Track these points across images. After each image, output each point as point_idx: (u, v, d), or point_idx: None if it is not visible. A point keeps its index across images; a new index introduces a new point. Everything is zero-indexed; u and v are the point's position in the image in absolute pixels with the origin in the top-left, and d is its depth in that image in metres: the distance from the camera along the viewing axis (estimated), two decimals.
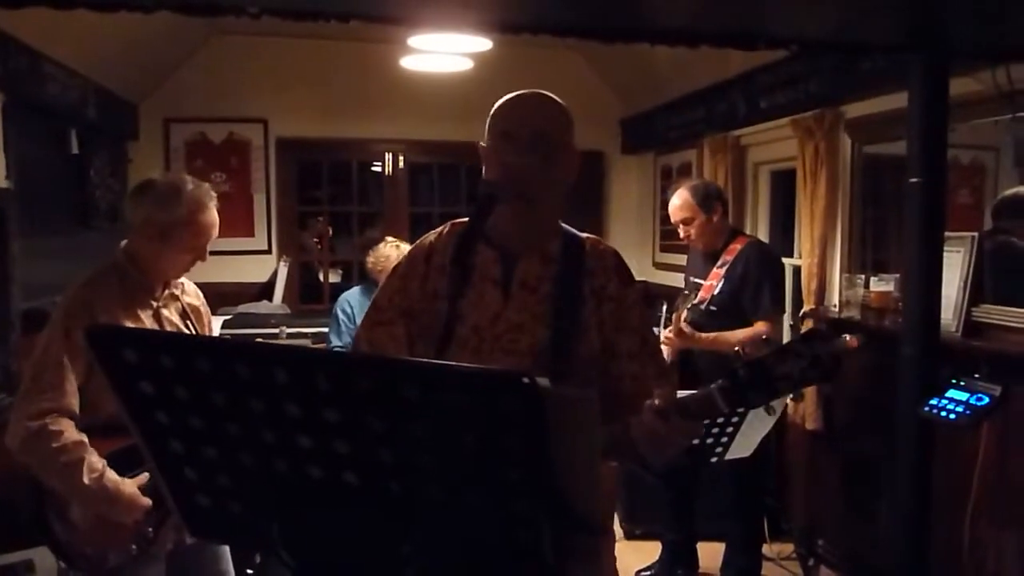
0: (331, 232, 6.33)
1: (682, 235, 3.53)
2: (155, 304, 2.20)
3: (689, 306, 3.39)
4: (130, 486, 2.01)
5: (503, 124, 1.55)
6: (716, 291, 3.40)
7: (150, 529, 2.07)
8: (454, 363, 1.29)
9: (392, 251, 3.87)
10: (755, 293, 3.34)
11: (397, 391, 0.91)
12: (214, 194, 2.21)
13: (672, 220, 3.53)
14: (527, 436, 0.89)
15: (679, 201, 3.46)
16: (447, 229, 1.66)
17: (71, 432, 1.98)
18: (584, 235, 1.66)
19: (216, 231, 2.21)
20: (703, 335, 3.36)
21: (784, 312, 3.68)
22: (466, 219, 1.62)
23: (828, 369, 1.25)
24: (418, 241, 1.71)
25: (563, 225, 1.65)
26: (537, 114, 1.56)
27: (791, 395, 1.26)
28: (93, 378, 2.00)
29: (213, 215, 2.19)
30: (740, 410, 2.64)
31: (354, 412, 0.93)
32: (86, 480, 1.95)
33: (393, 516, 0.97)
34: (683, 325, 3.32)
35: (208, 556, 2.30)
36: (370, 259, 4.00)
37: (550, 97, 1.60)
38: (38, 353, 2.04)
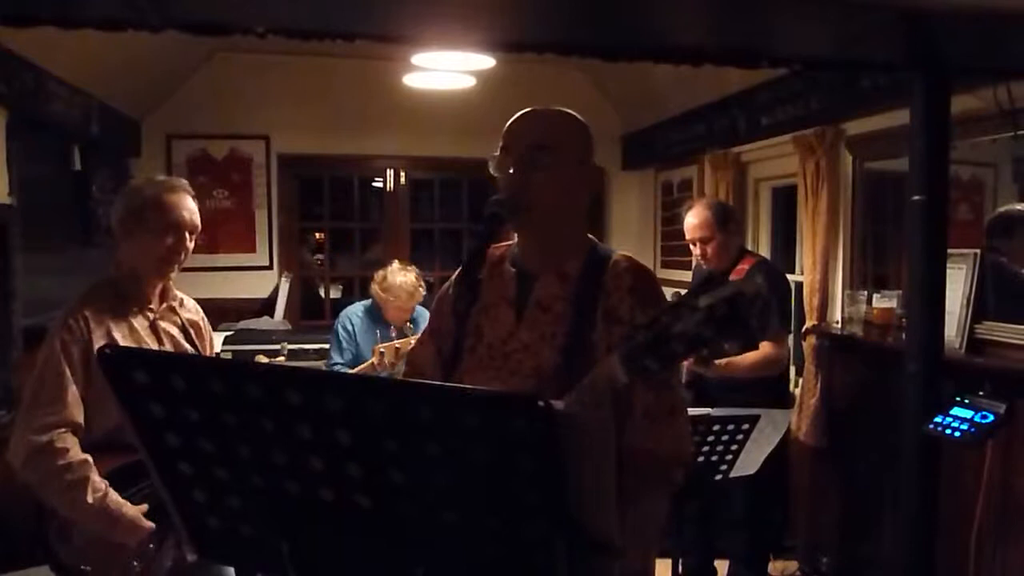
0: (320, 243, 6.24)
1: (697, 253, 3.44)
2: (151, 316, 2.20)
3: None
4: (132, 508, 2.00)
5: (504, 138, 1.54)
6: None
7: (152, 546, 2.06)
8: (467, 386, 1.28)
9: (403, 282, 3.75)
10: None
11: (410, 413, 0.91)
12: (191, 189, 2.21)
13: (688, 237, 3.45)
14: (541, 458, 0.88)
15: (697, 220, 3.38)
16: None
17: (76, 450, 1.97)
18: (614, 253, 1.58)
19: (193, 218, 2.17)
20: (716, 362, 3.27)
21: (791, 332, 3.65)
22: (504, 244, 1.64)
23: (723, 320, 1.08)
24: None
25: (595, 243, 1.59)
26: (537, 128, 1.52)
27: (694, 357, 1.05)
28: (90, 393, 2.00)
29: (185, 199, 2.17)
30: (745, 426, 2.63)
31: (367, 434, 0.93)
32: (89, 500, 1.94)
33: (406, 538, 0.97)
34: None
35: (210, 574, 2.28)
36: (379, 288, 3.80)
37: (559, 112, 1.56)
38: (38, 368, 2.04)
